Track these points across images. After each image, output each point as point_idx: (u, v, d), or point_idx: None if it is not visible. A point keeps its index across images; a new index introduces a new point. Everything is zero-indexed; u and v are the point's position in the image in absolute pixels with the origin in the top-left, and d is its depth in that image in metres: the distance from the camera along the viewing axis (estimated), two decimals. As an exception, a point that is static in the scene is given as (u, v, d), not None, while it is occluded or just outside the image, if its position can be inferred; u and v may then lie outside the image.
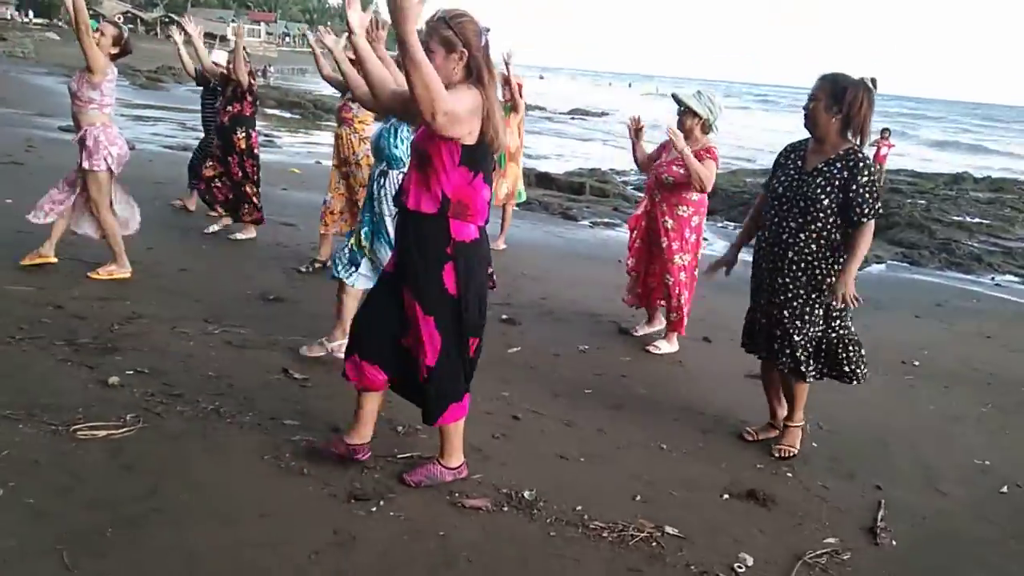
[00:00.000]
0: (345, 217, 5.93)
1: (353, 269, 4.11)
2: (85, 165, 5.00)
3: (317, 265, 6.16)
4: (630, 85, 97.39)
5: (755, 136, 30.94)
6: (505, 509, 3.00)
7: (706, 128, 4.87)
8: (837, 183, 3.40)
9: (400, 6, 2.41)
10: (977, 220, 13.13)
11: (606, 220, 11.27)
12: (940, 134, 42.65)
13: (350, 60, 3.68)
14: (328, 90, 38.44)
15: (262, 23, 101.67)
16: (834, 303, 3.49)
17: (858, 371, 3.64)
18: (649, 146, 5.28)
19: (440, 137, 2.67)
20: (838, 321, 3.60)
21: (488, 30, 2.82)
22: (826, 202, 3.41)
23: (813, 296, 3.53)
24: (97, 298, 4.85)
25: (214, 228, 7.00)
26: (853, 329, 3.65)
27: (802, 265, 3.50)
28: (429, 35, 2.73)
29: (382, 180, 4.01)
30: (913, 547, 3.11)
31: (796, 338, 3.56)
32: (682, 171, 4.77)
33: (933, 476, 3.76)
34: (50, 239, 5.23)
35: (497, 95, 2.92)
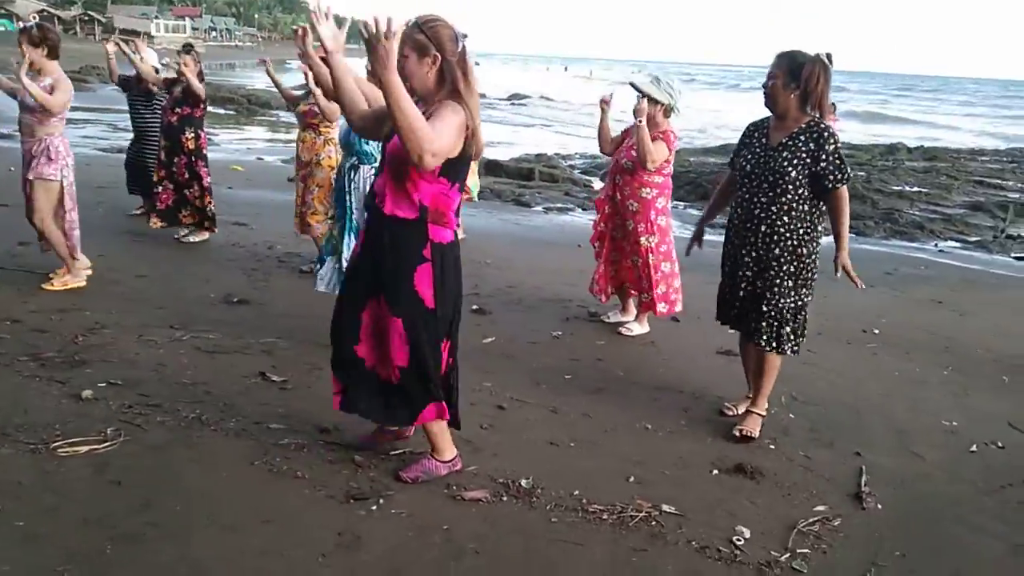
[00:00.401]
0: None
1: (321, 278, 4.12)
2: (46, 173, 4.84)
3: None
4: (566, 68, 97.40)
5: (692, 117, 31.35)
6: (504, 499, 3.01)
7: (667, 112, 4.91)
8: (803, 155, 3.48)
9: (383, 52, 2.38)
10: (916, 189, 13.53)
11: (559, 205, 11.30)
12: (866, 106, 43.70)
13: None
14: (261, 83, 37.62)
15: (187, 18, 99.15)
16: (835, 276, 3.57)
17: (800, 341, 3.73)
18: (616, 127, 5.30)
19: None
20: (804, 290, 3.69)
21: (466, 36, 2.79)
22: (793, 174, 3.49)
23: (785, 268, 3.60)
24: (55, 310, 4.70)
25: (184, 233, 6.80)
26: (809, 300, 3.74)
27: (775, 238, 3.58)
28: (403, 41, 2.67)
29: (352, 174, 3.98)
30: (897, 509, 3.21)
31: (773, 311, 3.64)
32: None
33: (906, 440, 3.88)
34: None
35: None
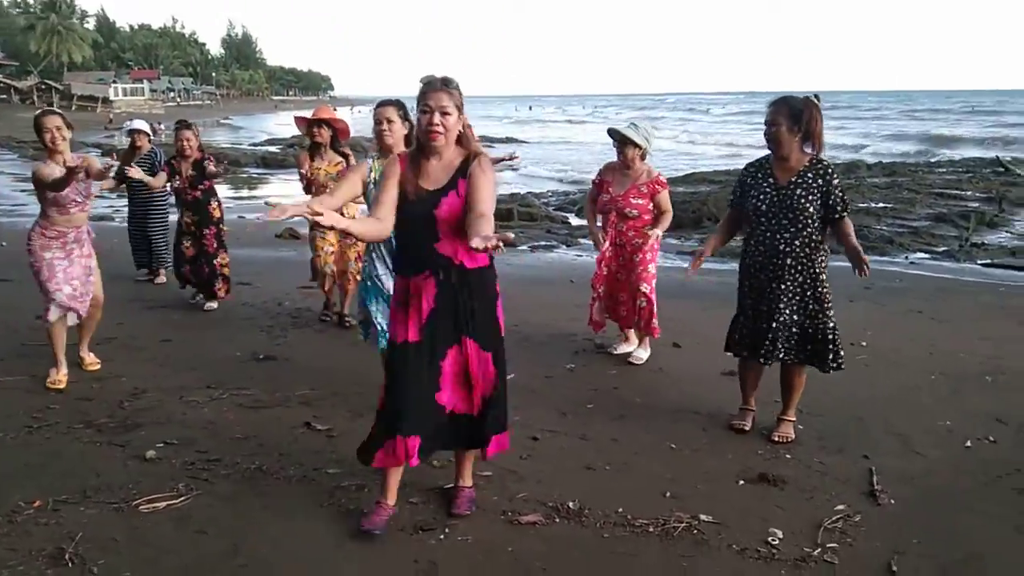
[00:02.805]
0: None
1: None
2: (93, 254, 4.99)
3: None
4: (530, 108, 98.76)
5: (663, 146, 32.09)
6: (557, 520, 3.29)
7: (644, 155, 5.30)
8: (815, 190, 3.91)
9: (326, 224, 2.62)
10: (881, 205, 14.14)
11: (543, 243, 11.65)
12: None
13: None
14: (223, 140, 37.59)
15: (145, 80, 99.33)
16: (860, 276, 3.84)
17: (841, 359, 4.10)
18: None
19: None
20: (832, 310, 4.06)
21: None
22: (811, 210, 3.91)
23: (808, 293, 4.02)
24: (93, 379, 4.92)
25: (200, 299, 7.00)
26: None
27: (798, 267, 4.00)
28: (446, 98, 2.95)
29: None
30: (909, 503, 3.54)
31: (831, 332, 4.04)
32: (642, 201, 5.21)
33: (908, 441, 4.22)
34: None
35: None
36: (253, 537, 3.09)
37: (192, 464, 3.72)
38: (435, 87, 2.96)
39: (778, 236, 3.98)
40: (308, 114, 6.18)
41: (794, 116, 3.86)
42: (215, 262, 6.75)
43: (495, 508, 3.36)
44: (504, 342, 3.24)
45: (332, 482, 3.56)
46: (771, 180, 4.01)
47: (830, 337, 4.05)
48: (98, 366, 5.09)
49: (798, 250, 3.95)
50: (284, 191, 18.44)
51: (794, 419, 4.26)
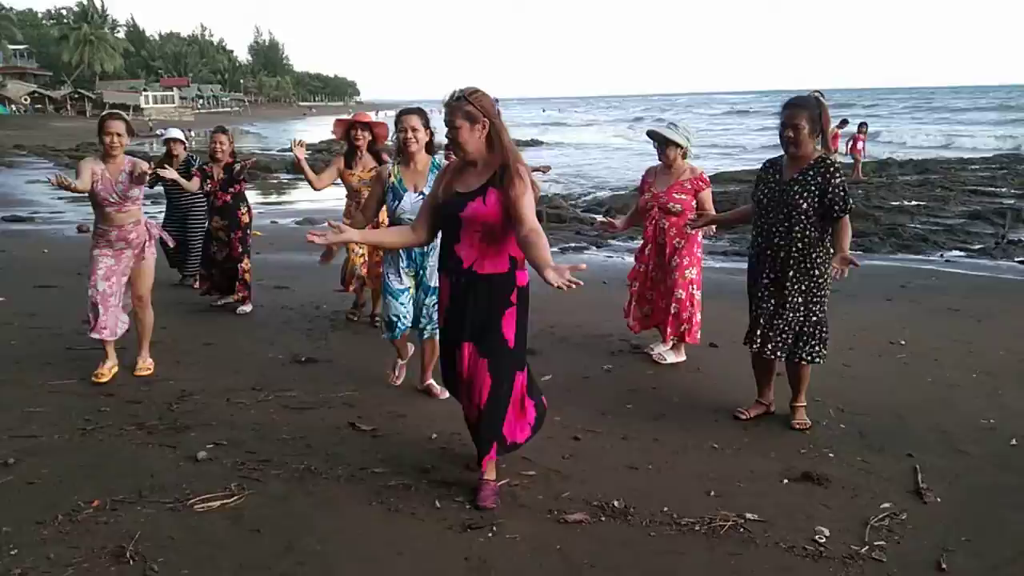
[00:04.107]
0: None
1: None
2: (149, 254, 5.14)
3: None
4: (543, 111, 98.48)
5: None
6: (603, 519, 3.33)
7: (685, 154, 5.32)
8: (813, 188, 3.99)
9: (335, 242, 3.28)
10: (915, 203, 13.99)
11: (573, 245, 11.70)
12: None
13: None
14: (253, 146, 37.87)
15: (175, 88, 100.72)
16: (836, 275, 3.95)
17: (824, 352, 4.21)
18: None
19: (506, 215, 3.08)
20: (815, 306, 4.15)
21: (498, 100, 3.25)
22: (804, 206, 4.00)
23: (799, 287, 4.11)
24: (141, 382, 5.03)
25: (223, 300, 7.15)
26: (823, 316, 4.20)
27: (790, 262, 4.09)
28: (453, 112, 3.15)
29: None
30: (955, 501, 3.53)
31: (804, 328, 4.14)
32: (685, 197, 5.22)
33: (952, 439, 4.20)
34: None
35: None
36: (306, 535, 3.15)
37: (243, 465, 3.80)
38: (448, 102, 3.18)
39: (774, 229, 4.09)
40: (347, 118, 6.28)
41: (813, 119, 3.97)
42: (239, 266, 6.92)
43: (541, 507, 3.40)
44: (517, 353, 3.33)
45: (379, 481, 3.63)
46: (778, 176, 4.12)
47: (812, 331, 4.15)
48: (149, 371, 5.20)
49: (791, 244, 4.04)
50: (313, 195, 18.61)
51: (804, 404, 4.37)
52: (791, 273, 4.09)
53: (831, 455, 4.00)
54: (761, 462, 3.92)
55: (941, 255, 10.22)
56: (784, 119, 4.05)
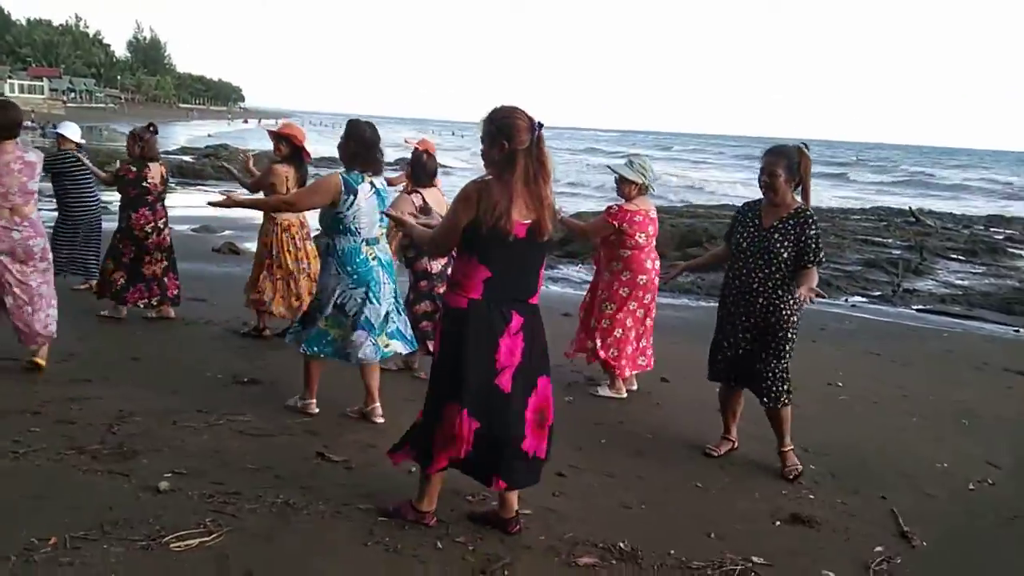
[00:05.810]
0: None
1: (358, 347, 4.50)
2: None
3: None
4: (453, 134, 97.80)
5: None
6: (613, 562, 3.21)
7: (643, 190, 5.31)
8: (791, 236, 4.05)
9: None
10: (813, 248, 14.64)
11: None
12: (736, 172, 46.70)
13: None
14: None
15: (45, 79, 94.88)
16: (805, 301, 3.94)
17: (776, 399, 4.24)
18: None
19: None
20: (790, 351, 4.20)
21: (541, 125, 3.06)
22: (784, 255, 4.05)
23: (780, 335, 4.14)
24: (66, 399, 4.54)
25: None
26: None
27: (770, 308, 4.13)
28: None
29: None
30: (939, 544, 3.62)
31: (774, 373, 4.18)
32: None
33: (914, 482, 4.33)
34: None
35: None
36: (306, 579, 2.88)
37: (211, 497, 3.45)
38: None
39: (753, 275, 4.13)
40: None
41: (791, 167, 4.04)
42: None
43: (546, 548, 3.25)
44: (441, 383, 3.20)
45: (368, 518, 3.37)
46: (757, 222, 4.17)
47: (772, 376, 4.17)
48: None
49: (770, 292, 4.10)
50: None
51: (791, 447, 4.33)
52: (772, 320, 4.11)
53: (811, 496, 4.04)
54: (749, 503, 3.91)
55: (846, 299, 10.73)
56: (763, 165, 4.12)
